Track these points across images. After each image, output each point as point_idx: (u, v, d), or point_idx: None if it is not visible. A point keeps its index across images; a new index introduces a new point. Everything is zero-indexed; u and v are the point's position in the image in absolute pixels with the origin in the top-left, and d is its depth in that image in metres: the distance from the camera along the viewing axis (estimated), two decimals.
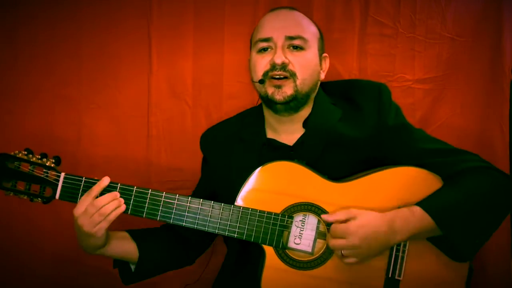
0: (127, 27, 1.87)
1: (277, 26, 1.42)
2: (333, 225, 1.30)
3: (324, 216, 1.33)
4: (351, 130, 1.43)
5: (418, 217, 1.29)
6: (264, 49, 1.43)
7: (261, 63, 1.42)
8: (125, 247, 1.45)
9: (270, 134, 1.51)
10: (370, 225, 1.28)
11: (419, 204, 1.30)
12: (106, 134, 1.89)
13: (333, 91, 1.52)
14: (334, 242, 1.29)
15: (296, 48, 1.41)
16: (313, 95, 1.48)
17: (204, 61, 1.89)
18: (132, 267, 1.49)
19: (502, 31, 1.77)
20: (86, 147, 1.88)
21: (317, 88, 1.49)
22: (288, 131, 1.48)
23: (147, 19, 1.86)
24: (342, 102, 1.48)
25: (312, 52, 1.44)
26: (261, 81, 1.42)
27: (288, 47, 1.41)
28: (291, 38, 1.40)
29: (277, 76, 1.39)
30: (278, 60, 1.38)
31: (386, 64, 1.85)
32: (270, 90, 1.41)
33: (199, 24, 1.87)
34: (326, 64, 1.51)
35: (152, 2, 1.86)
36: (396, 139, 1.42)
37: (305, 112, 1.48)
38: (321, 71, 1.49)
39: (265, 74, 1.41)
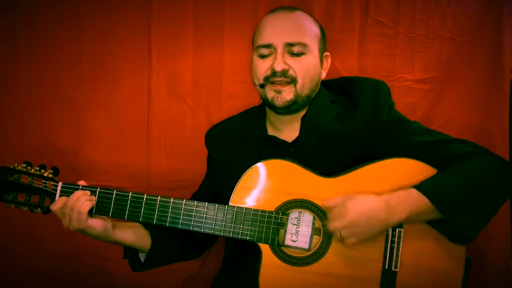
0: (127, 27, 1.87)
1: (277, 31, 1.42)
2: (331, 209, 1.31)
3: (322, 202, 1.33)
4: (345, 125, 1.44)
5: (415, 197, 1.29)
6: (265, 55, 1.43)
7: (262, 68, 1.43)
8: (139, 233, 1.48)
9: (271, 131, 1.52)
10: (366, 202, 1.29)
11: (415, 186, 1.31)
12: (106, 134, 1.89)
13: (334, 87, 1.53)
14: (332, 224, 1.29)
15: (296, 54, 1.41)
16: (313, 95, 1.49)
17: (204, 61, 1.89)
18: (141, 257, 1.51)
19: (502, 31, 1.77)
20: (86, 147, 1.88)
21: (318, 87, 1.50)
22: (288, 128, 1.50)
23: (147, 19, 1.86)
24: (341, 98, 1.49)
25: (312, 55, 1.44)
26: (262, 86, 1.43)
27: (289, 53, 1.41)
28: (290, 44, 1.41)
29: (278, 82, 1.40)
30: (278, 67, 1.39)
31: (386, 64, 1.84)
32: (270, 95, 1.42)
33: (199, 24, 1.87)
34: (327, 63, 1.52)
35: (152, 2, 1.85)
36: (392, 132, 1.42)
37: (305, 111, 1.49)
38: (322, 71, 1.50)
39: (266, 79, 1.42)
